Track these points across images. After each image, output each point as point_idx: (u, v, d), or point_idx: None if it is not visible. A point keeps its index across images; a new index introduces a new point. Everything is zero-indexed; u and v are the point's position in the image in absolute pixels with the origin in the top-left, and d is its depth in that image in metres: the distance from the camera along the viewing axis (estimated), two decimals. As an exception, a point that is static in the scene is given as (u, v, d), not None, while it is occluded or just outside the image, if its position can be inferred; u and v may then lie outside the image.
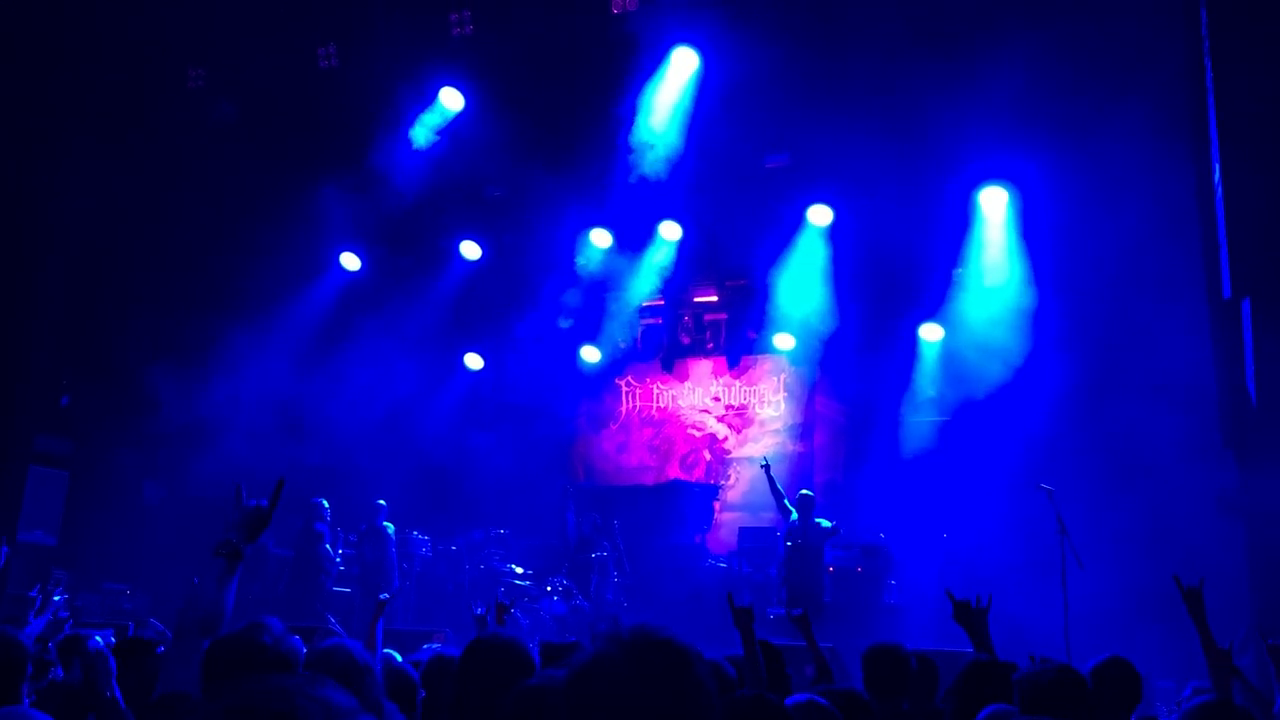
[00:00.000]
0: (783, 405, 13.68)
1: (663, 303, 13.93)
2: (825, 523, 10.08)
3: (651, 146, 11.75)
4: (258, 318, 12.63)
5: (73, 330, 12.55)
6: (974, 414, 11.27)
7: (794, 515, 10.14)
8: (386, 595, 5.00)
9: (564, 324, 13.39)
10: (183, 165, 12.25)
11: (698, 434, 14.06)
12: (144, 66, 12.16)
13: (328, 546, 11.00)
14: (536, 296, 13.30)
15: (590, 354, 13.88)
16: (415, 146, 12.18)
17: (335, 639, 2.80)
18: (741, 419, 13.90)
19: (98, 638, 4.55)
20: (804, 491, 10.35)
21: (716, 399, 14.08)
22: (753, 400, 13.89)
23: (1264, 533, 7.83)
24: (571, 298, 13.32)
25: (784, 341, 13.01)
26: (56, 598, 5.67)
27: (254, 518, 2.87)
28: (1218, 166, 8.42)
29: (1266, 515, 7.73)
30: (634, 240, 13.06)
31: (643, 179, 11.92)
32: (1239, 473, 8.16)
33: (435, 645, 5.50)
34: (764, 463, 10.68)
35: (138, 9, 11.55)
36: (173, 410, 11.81)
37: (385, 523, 11.14)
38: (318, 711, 0.99)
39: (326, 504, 11.08)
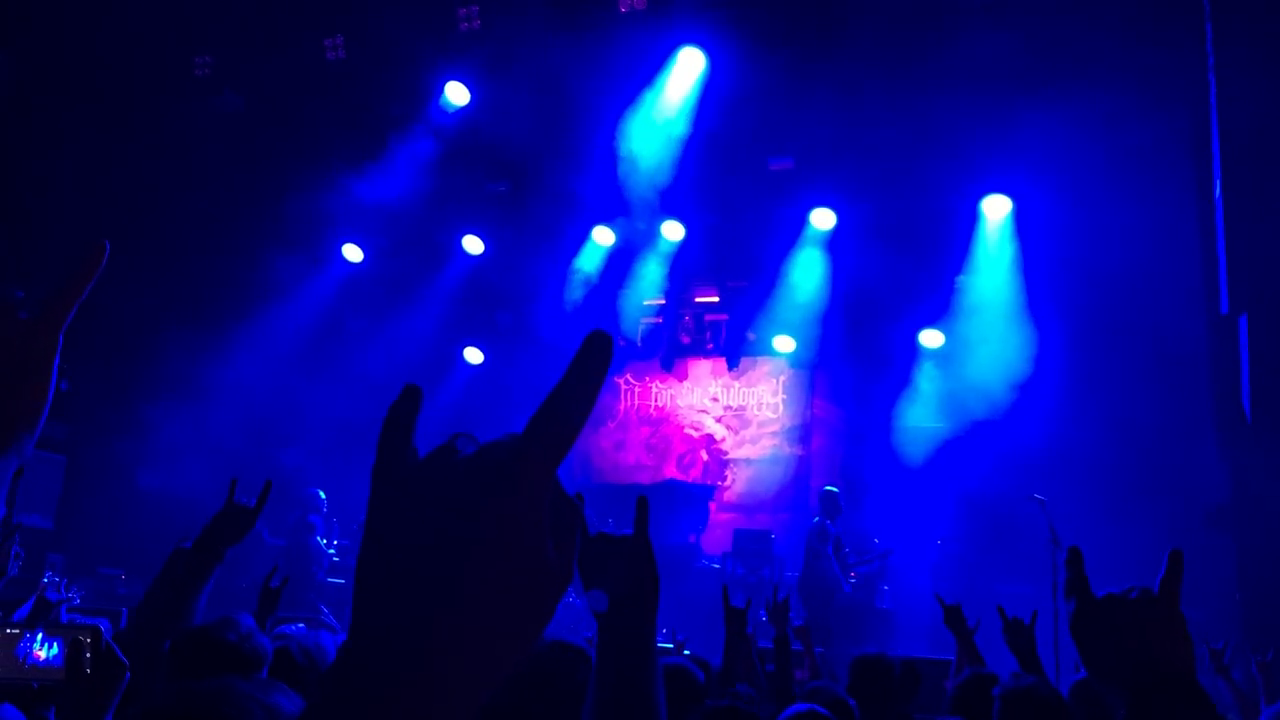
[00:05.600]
0: (781, 408, 13.70)
1: (664, 302, 13.95)
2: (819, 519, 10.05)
3: (656, 146, 11.77)
4: (259, 307, 12.65)
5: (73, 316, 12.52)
6: (972, 421, 11.29)
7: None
8: None
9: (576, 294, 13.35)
10: (186, 154, 12.26)
11: (695, 434, 14.07)
12: (150, 54, 12.17)
13: (319, 539, 10.98)
14: (538, 292, 13.31)
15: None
16: (420, 139, 12.20)
17: (300, 635, 2.75)
18: (739, 420, 13.92)
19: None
20: (828, 488, 10.31)
21: (715, 399, 14.10)
22: (751, 402, 13.90)
23: (1254, 547, 7.86)
24: (574, 293, 13.34)
25: (784, 344, 13.02)
26: (45, 580, 5.66)
27: (239, 517, 2.70)
28: (1218, 183, 8.45)
29: (1256, 529, 7.76)
30: (637, 239, 13.08)
31: (646, 177, 11.94)
32: (1232, 487, 8.19)
33: None
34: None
35: (146, -4, 11.56)
36: (169, 399, 11.83)
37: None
38: (261, 716, 0.97)
39: (323, 495, 11.08)
